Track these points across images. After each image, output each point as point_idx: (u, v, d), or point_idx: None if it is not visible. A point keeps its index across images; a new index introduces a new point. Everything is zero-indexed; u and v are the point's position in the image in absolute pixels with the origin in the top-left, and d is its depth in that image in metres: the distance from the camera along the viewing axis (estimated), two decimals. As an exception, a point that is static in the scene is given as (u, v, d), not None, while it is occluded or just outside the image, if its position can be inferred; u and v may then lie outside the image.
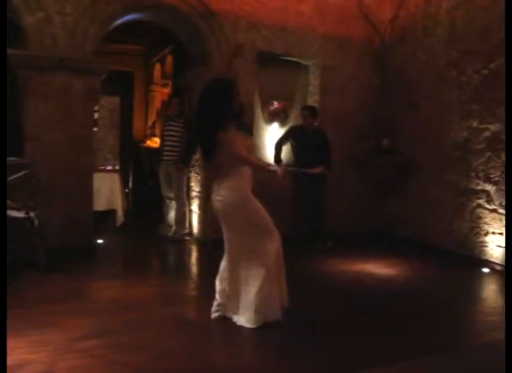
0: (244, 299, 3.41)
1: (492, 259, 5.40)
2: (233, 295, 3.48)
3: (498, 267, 5.30)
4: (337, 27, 6.70)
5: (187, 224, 6.37)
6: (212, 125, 3.30)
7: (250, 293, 3.37)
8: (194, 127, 3.86)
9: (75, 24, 5.27)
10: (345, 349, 3.15)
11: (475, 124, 5.68)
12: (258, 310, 3.32)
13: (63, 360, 2.77)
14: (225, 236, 3.56)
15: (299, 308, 3.86)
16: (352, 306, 4.05)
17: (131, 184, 8.69)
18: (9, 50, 5.00)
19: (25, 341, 3.00)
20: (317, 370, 2.88)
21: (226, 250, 3.57)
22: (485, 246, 5.50)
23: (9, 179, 4.31)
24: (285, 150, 6.44)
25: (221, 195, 3.43)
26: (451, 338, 3.46)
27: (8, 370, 2.60)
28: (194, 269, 5.45)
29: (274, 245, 3.47)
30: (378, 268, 5.25)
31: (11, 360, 2.72)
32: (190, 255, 5.98)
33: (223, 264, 3.60)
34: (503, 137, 5.31)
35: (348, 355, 3.07)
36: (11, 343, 2.93)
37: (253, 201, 3.47)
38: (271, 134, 6.75)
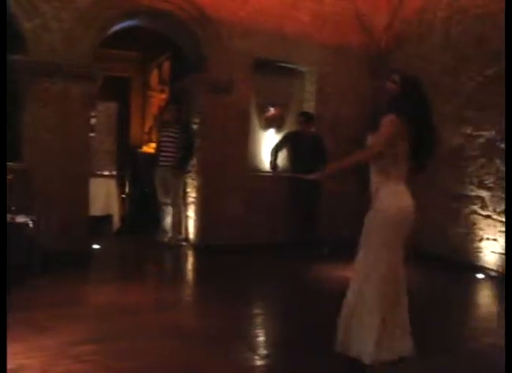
0: None
1: (487, 265, 5.43)
2: None
3: (492, 273, 5.33)
4: (334, 35, 6.75)
5: (183, 230, 6.39)
6: None
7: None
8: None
9: (72, 30, 5.30)
10: (329, 355, 3.05)
11: (469, 131, 5.73)
12: None
13: (58, 365, 2.78)
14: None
15: (296, 314, 3.89)
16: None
17: (127, 189, 8.69)
18: (8, 56, 5.03)
19: (22, 346, 3.00)
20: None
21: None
22: (480, 252, 5.53)
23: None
24: (282, 156, 6.47)
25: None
26: (444, 343, 3.48)
27: (4, 375, 2.62)
28: (189, 274, 5.47)
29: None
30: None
31: (7, 364, 2.73)
32: (186, 260, 5.99)
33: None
34: (498, 143, 5.36)
35: (332, 360, 3.01)
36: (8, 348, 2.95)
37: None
38: (267, 141, 6.78)
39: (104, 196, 6.55)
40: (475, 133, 5.65)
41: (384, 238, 2.90)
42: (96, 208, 6.31)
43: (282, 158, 6.46)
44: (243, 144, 6.40)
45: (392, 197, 2.92)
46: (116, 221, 6.65)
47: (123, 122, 9.47)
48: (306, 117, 6.24)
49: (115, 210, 6.64)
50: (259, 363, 3.07)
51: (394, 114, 2.83)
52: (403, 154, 2.90)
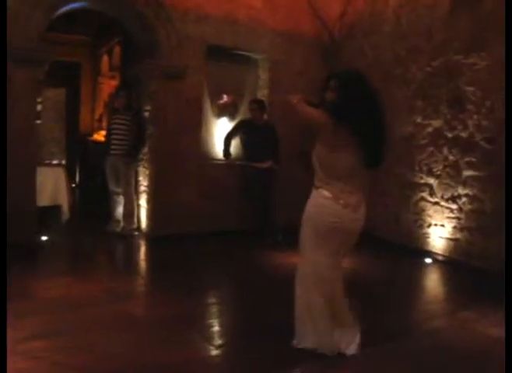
0: None
1: (435, 250, 5.61)
2: None
3: (440, 257, 5.51)
4: (287, 22, 6.73)
5: (135, 220, 6.27)
6: None
7: None
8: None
9: (16, 10, 5.03)
10: (283, 343, 3.13)
11: (419, 120, 5.87)
12: None
13: (3, 363, 2.68)
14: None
15: (251, 302, 3.90)
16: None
17: (77, 179, 8.47)
18: None
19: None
20: (254, 366, 2.91)
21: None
22: (428, 237, 5.71)
23: None
24: (235, 144, 6.44)
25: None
26: (393, 327, 3.58)
27: None
28: (142, 265, 5.38)
29: None
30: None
31: None
32: (138, 250, 5.89)
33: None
34: (445, 132, 5.52)
35: (287, 349, 3.08)
36: None
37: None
38: (220, 128, 6.72)
39: (53, 185, 6.31)
40: (424, 122, 5.79)
41: (308, 238, 3.08)
42: (44, 198, 6.08)
43: (234, 146, 6.44)
44: (196, 131, 6.32)
45: (315, 204, 3.02)
46: (65, 212, 6.42)
47: (72, 109, 9.19)
48: (258, 105, 6.23)
49: (64, 201, 6.41)
50: (214, 352, 3.07)
51: (337, 122, 2.78)
52: (341, 162, 2.88)
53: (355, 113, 2.79)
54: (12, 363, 2.67)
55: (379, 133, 2.90)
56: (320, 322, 2.96)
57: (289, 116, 4.26)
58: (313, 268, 2.99)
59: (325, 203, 2.93)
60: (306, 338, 3.03)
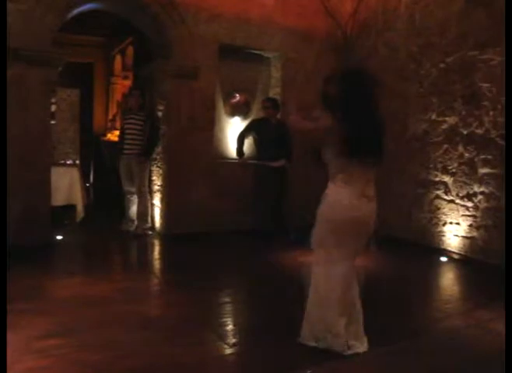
0: None
1: (450, 248, 5.55)
2: None
3: (455, 256, 5.46)
4: (299, 20, 6.70)
5: (149, 219, 6.30)
6: None
7: None
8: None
9: (31, 12, 5.09)
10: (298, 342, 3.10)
11: (433, 117, 5.81)
12: None
13: (20, 362, 2.70)
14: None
15: (264, 301, 3.89)
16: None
17: (92, 178, 8.52)
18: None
19: (-20, 342, 2.90)
20: (268, 365, 2.89)
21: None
22: (443, 236, 5.65)
23: None
24: (248, 143, 6.44)
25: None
26: (409, 326, 3.54)
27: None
28: (156, 264, 5.40)
29: None
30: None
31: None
32: (153, 250, 5.91)
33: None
34: (460, 129, 5.46)
35: (301, 348, 3.05)
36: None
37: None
38: (233, 127, 6.73)
39: (67, 185, 6.38)
40: (439, 119, 5.73)
41: (320, 236, 3.05)
42: (59, 198, 6.15)
43: (247, 145, 6.44)
44: (209, 130, 6.33)
45: (331, 199, 2.97)
46: (80, 211, 6.48)
47: (86, 109, 9.25)
48: (271, 103, 6.21)
49: (79, 200, 6.47)
50: (228, 351, 3.06)
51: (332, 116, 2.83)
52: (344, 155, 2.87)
53: (356, 109, 2.82)
54: (28, 361, 2.71)
55: (376, 129, 2.92)
56: (334, 322, 2.95)
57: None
58: (328, 266, 2.97)
59: (339, 197, 2.93)
60: (317, 336, 3.01)
